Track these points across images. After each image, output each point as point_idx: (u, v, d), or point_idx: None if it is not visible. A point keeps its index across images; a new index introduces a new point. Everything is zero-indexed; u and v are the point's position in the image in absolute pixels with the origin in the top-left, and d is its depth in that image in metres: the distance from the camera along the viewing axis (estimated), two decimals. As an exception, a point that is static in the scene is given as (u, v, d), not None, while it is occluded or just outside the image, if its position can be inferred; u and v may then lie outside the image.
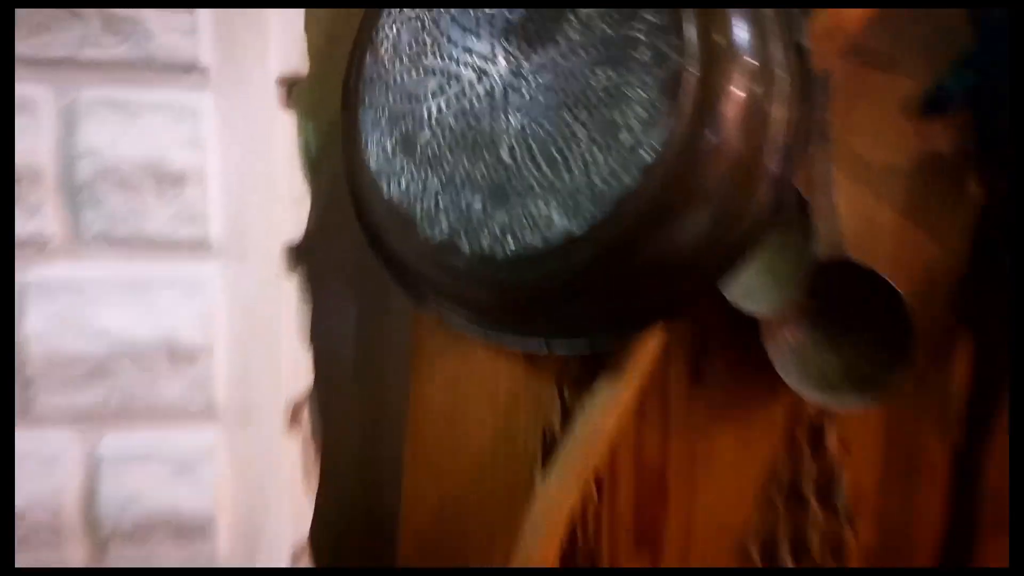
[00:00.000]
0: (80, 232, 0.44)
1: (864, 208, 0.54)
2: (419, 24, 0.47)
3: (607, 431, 0.49)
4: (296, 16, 0.48)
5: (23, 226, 0.43)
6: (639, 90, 0.40)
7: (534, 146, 0.43)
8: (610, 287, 0.44)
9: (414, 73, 0.47)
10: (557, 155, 0.42)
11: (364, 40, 0.49)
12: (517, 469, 0.55)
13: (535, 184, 0.43)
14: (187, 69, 0.43)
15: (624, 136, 0.41)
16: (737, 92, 0.41)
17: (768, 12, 0.43)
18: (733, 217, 0.43)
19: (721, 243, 0.44)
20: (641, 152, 0.40)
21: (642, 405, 0.54)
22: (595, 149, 0.41)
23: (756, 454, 0.55)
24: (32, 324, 0.44)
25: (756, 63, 0.42)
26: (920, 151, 0.54)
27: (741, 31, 0.42)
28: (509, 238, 0.43)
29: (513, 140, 0.44)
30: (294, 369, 0.50)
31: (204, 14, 0.43)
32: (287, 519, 0.49)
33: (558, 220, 0.42)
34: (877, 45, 0.54)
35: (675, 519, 0.55)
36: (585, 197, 0.41)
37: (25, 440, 0.45)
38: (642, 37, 0.41)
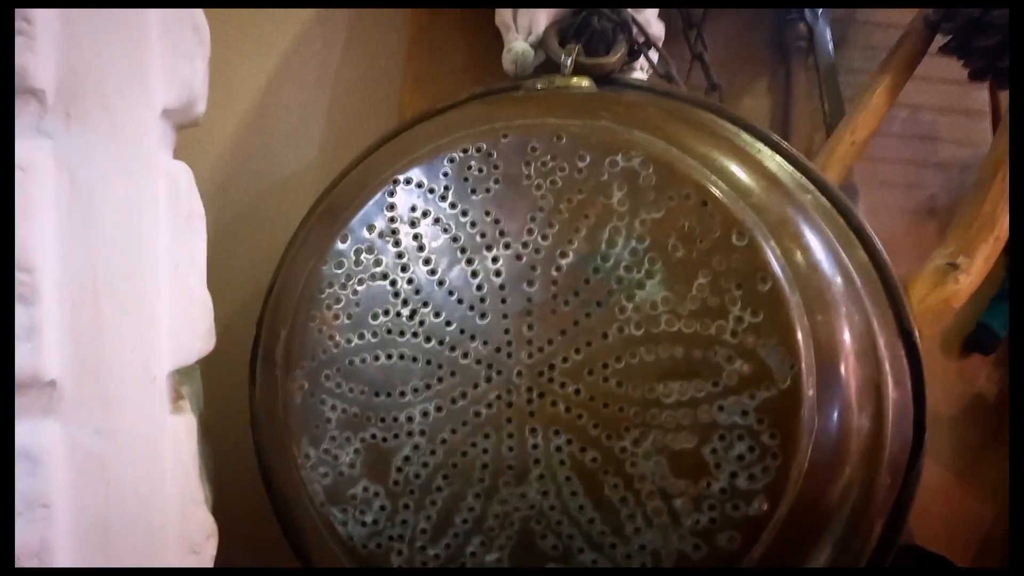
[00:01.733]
0: None
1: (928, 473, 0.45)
2: (389, 287, 0.33)
3: None
4: (190, 278, 0.33)
5: None
6: (736, 417, 0.29)
7: (578, 483, 0.30)
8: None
9: (383, 357, 0.33)
10: (615, 499, 0.29)
11: (296, 291, 0.34)
12: None
13: (581, 539, 0.30)
14: (21, 388, 0.27)
15: (717, 480, 0.29)
16: (855, 397, 0.30)
17: (860, 285, 0.33)
18: (838, 554, 0.32)
19: None
20: (745, 506, 0.28)
21: None
22: (673, 495, 0.29)
23: None
24: None
25: (862, 354, 0.32)
26: (964, 395, 0.47)
27: (852, 315, 0.31)
28: (545, 618, 0.30)
29: (545, 471, 0.30)
30: None
31: (48, 308, 0.27)
32: None
33: (620, 594, 0.29)
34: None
35: None
36: (661, 563, 0.29)
37: None
38: (732, 342, 0.29)
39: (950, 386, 0.47)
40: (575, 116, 0.33)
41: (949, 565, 0.43)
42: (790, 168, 0.35)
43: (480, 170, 0.33)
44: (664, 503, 0.29)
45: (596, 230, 0.31)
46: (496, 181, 0.33)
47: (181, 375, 0.36)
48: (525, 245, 0.32)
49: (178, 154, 0.40)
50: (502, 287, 0.32)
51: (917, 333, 0.34)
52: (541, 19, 0.40)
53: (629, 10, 0.40)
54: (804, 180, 0.35)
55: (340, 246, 0.34)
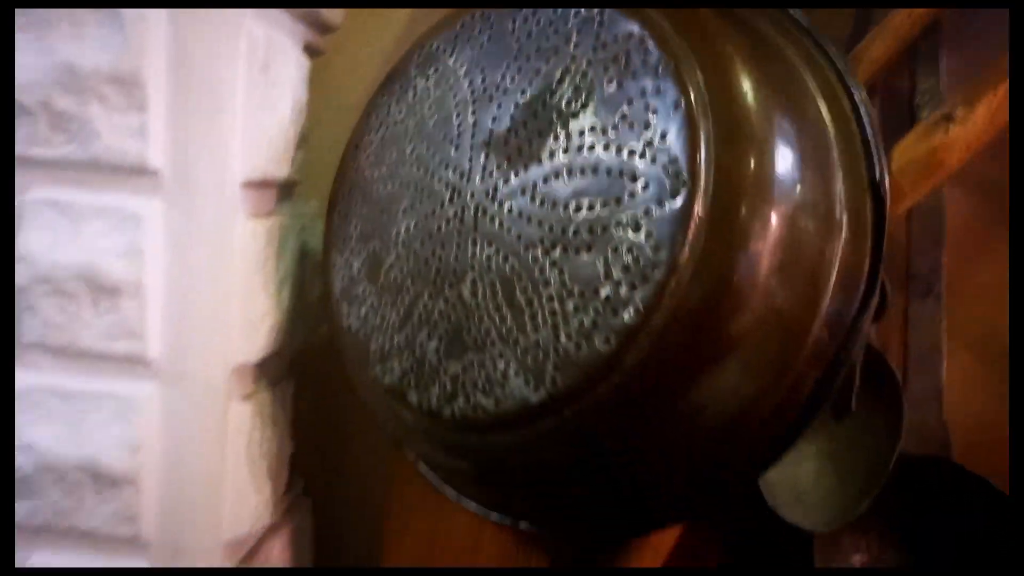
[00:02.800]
0: (18, 338, 0.40)
1: (986, 392, 0.40)
2: (403, 129, 0.40)
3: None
4: (263, 116, 0.43)
5: (-39, 327, 0.40)
6: (629, 231, 0.31)
7: (498, 286, 0.34)
8: (576, 473, 0.34)
9: (390, 185, 0.40)
10: (523, 301, 0.33)
11: (351, 144, 0.43)
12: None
13: (495, 333, 0.34)
14: (135, 172, 0.39)
15: (604, 288, 0.31)
16: (768, 243, 0.30)
17: (832, 137, 0.32)
18: (754, 399, 0.32)
19: (737, 432, 0.32)
20: (622, 311, 0.30)
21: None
22: (567, 299, 0.32)
23: None
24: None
25: (804, 204, 0.31)
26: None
27: (786, 162, 0.31)
28: (459, 396, 0.34)
29: (477, 275, 0.35)
30: (236, 506, 0.43)
31: (155, 114, 0.38)
32: None
33: (514, 382, 0.33)
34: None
35: None
36: (549, 358, 0.32)
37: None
38: (639, 165, 0.31)
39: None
40: (564, -20, 0.37)
41: (989, 487, 0.37)
42: (780, 18, 0.35)
43: (479, 30, 0.38)
44: (559, 306, 0.32)
45: (552, 71, 0.35)
46: (489, 38, 0.38)
47: (280, 211, 0.46)
48: (497, 88, 0.36)
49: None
50: (474, 124, 0.37)
51: (888, 187, 0.31)
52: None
53: None
54: (795, 29, 0.35)
55: (378, 100, 0.42)
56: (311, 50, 0.51)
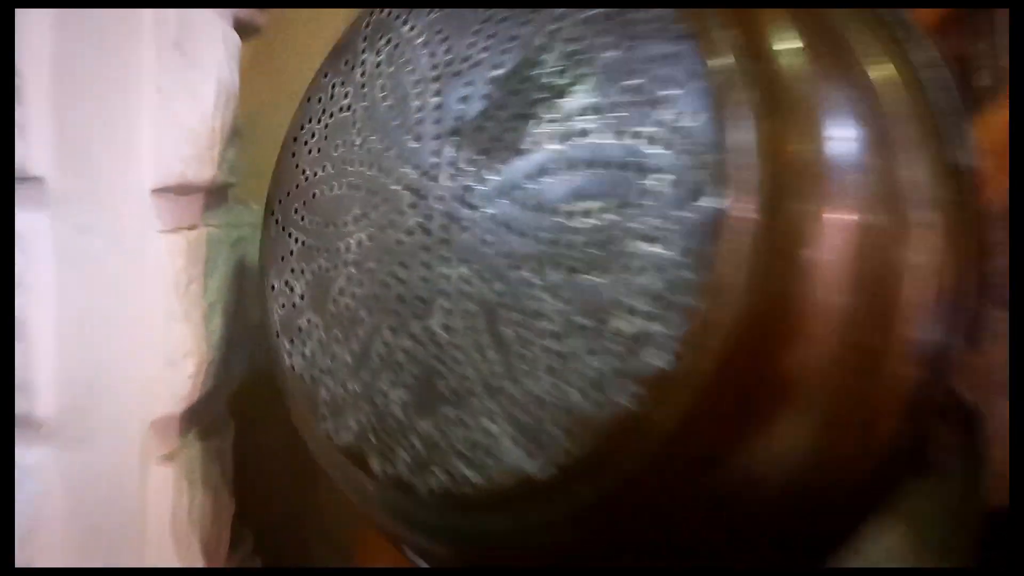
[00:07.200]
0: None
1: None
2: (351, 116, 0.32)
3: None
4: (178, 105, 0.34)
5: None
6: (650, 244, 0.23)
7: (480, 318, 0.26)
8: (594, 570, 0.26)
9: (336, 187, 0.32)
10: (514, 339, 0.25)
11: (289, 136, 0.35)
12: None
13: (478, 381, 0.26)
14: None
15: (621, 321, 0.23)
16: (829, 253, 0.23)
17: (896, 107, 0.25)
18: (823, 463, 0.24)
19: (808, 500, 0.25)
20: (649, 353, 0.22)
21: None
22: (573, 337, 0.24)
23: None
24: None
25: (871, 196, 0.23)
26: None
27: (844, 140, 0.23)
28: (434, 464, 0.27)
29: (451, 304, 0.27)
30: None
31: (37, 108, 0.30)
32: None
33: (508, 448, 0.25)
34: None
35: None
36: (553, 419, 0.24)
37: None
38: (651, 154, 0.23)
39: None
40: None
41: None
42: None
43: (440, -13, 0.30)
44: (562, 346, 0.24)
45: (532, 35, 0.27)
46: (450, -2, 0.30)
47: (208, 220, 0.38)
48: (465, 59, 0.28)
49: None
50: (439, 107, 0.29)
51: (973, 167, 0.24)
52: None
53: None
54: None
55: (321, 81, 0.34)
56: (244, 27, 0.42)
